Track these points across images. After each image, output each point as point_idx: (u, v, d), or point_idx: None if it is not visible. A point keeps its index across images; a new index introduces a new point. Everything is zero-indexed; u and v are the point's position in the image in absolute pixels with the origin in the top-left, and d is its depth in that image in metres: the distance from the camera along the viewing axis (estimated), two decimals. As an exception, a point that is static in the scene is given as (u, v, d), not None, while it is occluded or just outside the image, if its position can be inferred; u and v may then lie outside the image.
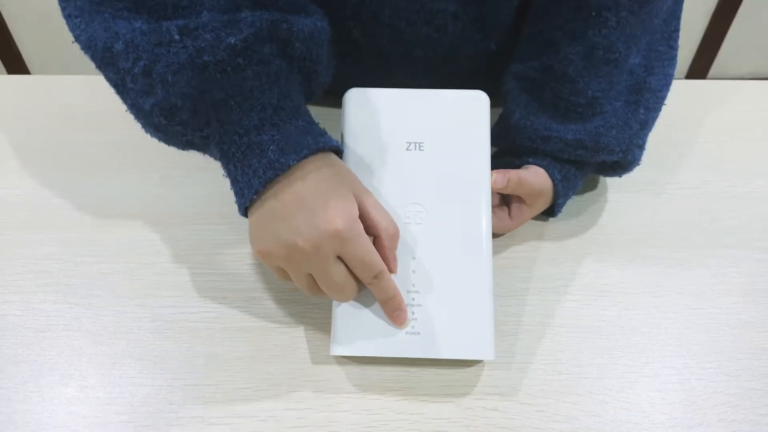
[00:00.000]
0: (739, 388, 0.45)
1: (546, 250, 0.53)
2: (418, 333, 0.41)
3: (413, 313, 0.42)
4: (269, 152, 0.37)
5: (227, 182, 0.56)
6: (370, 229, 0.40)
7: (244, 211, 0.40)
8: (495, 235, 0.52)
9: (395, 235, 0.41)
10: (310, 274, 0.39)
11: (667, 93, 0.50)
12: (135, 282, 0.50)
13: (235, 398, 0.44)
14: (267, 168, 0.37)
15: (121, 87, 0.40)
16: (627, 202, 0.57)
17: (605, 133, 0.46)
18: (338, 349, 0.42)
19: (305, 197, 0.38)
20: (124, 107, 0.62)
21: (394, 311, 0.41)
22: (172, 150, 0.58)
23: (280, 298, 0.49)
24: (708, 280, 0.52)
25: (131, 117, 0.61)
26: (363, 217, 0.40)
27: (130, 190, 0.56)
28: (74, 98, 0.64)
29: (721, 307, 0.50)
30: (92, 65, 0.42)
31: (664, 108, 0.55)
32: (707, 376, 0.46)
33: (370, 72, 0.54)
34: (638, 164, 0.51)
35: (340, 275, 0.39)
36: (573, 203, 0.57)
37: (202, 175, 0.58)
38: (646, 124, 0.49)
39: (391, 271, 0.41)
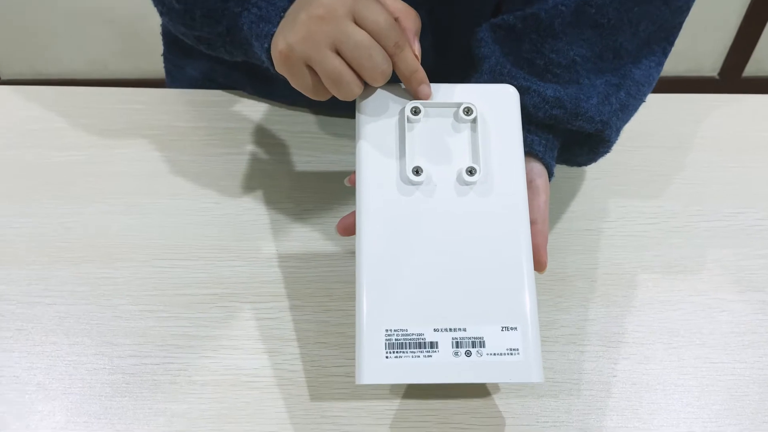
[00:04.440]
0: (765, 457, 0.44)
1: (550, 292, 0.52)
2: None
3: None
4: None
5: (199, 212, 0.57)
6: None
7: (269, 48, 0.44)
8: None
9: (415, 16, 0.43)
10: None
11: (647, 92, 0.50)
12: (93, 327, 0.49)
13: (200, 464, 0.43)
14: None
15: (165, 15, 0.51)
16: (644, 236, 0.56)
17: (585, 99, 0.47)
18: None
19: None
20: (86, 122, 0.62)
21: (419, 85, 0.43)
22: (139, 174, 0.59)
23: (252, 348, 0.49)
24: (732, 329, 0.50)
25: (94, 133, 0.61)
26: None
27: (91, 220, 0.56)
28: (33, 111, 0.63)
29: (747, 361, 0.49)
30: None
31: (686, 125, 0.52)
32: (728, 442, 0.45)
33: None
34: (609, 151, 0.51)
35: (361, 36, 0.40)
36: (581, 237, 0.56)
37: (171, 203, 0.57)
38: (627, 109, 0.49)
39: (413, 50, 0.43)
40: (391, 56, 0.41)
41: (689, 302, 0.52)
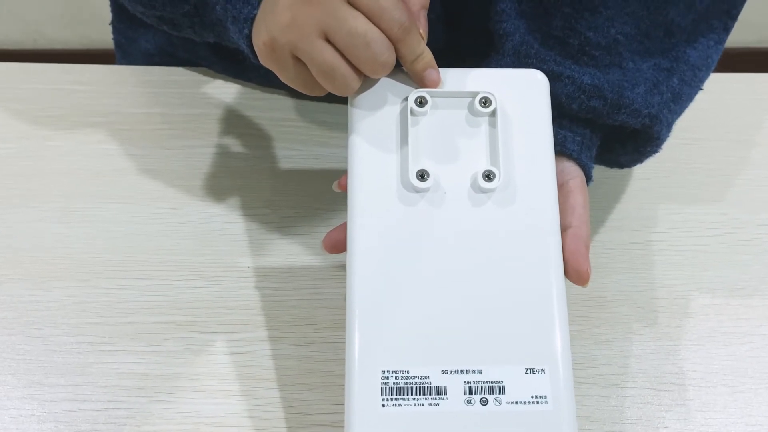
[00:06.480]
0: None
1: (586, 322, 0.52)
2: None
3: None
4: None
5: (153, 219, 0.57)
6: None
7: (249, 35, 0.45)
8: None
9: None
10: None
11: (705, 78, 0.51)
12: (19, 363, 0.49)
13: None
14: None
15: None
16: (702, 252, 0.56)
17: (629, 88, 0.48)
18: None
19: None
20: (15, 106, 0.62)
21: (425, 69, 0.43)
22: (79, 173, 0.60)
23: (217, 390, 0.48)
24: (813, 369, 0.50)
25: (25, 120, 0.63)
26: None
27: (18, 229, 0.56)
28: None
29: (831, 409, 0.48)
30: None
31: (756, 112, 0.51)
32: None
33: None
34: (658, 151, 0.52)
35: (355, 20, 0.40)
36: (624, 252, 0.56)
37: (119, 208, 0.57)
38: (680, 99, 0.50)
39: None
40: (394, 42, 0.41)
41: (760, 335, 0.51)
